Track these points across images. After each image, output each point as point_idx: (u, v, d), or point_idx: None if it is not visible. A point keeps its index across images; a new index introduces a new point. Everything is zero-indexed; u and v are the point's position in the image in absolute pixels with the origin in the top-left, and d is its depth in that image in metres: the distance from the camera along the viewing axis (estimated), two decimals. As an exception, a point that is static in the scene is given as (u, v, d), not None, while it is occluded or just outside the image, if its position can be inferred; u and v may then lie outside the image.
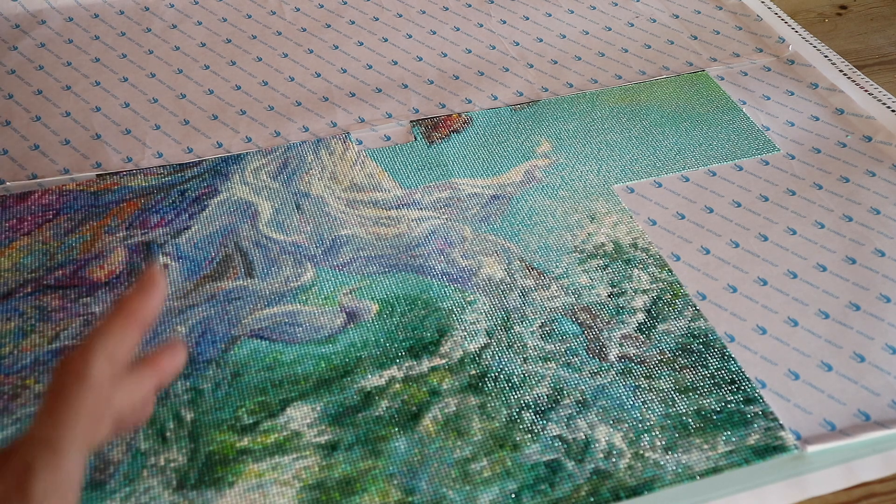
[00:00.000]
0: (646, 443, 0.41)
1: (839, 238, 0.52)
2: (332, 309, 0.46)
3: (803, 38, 0.68)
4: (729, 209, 0.54)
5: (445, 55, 0.66)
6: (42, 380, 0.42)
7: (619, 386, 0.43)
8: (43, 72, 0.62)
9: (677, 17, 0.71)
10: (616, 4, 0.72)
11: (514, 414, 0.42)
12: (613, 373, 0.44)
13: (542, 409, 0.42)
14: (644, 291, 0.48)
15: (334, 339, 0.45)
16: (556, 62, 0.65)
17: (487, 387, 0.43)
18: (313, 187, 0.54)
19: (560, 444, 0.41)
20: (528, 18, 0.70)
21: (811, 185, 0.56)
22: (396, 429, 0.41)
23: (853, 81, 0.63)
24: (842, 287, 0.49)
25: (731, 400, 0.43)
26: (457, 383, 0.43)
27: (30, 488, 0.25)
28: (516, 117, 0.60)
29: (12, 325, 0.45)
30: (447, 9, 0.71)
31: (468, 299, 0.47)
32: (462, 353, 0.44)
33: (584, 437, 0.41)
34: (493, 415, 0.42)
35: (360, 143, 0.57)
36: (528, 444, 0.41)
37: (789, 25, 0.69)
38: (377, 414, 0.42)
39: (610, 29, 0.69)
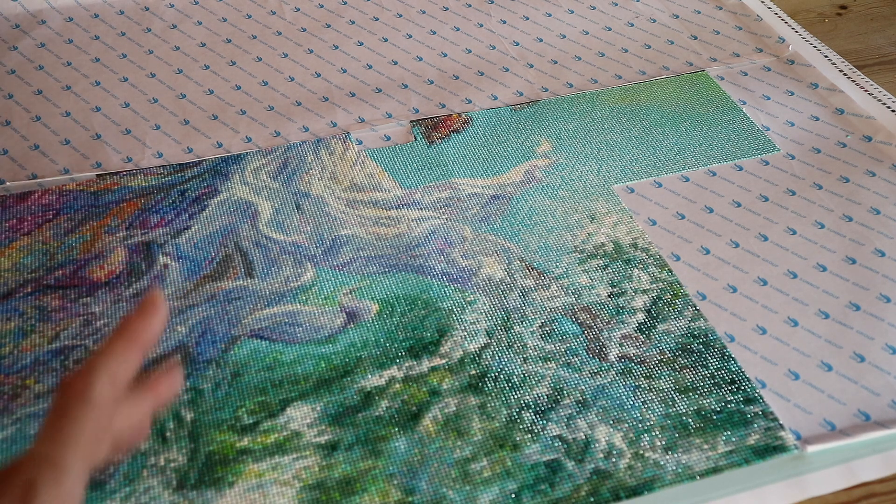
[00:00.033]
0: (646, 443, 0.41)
1: (839, 238, 0.52)
2: (332, 309, 0.46)
3: (803, 38, 0.68)
4: (729, 209, 0.54)
5: (445, 55, 0.66)
6: (42, 380, 0.42)
7: (619, 386, 0.43)
8: (43, 72, 0.62)
9: (677, 17, 0.71)
10: (616, 4, 0.72)
11: (514, 414, 0.42)
12: (613, 373, 0.44)
13: (542, 409, 0.42)
14: (644, 291, 0.48)
15: (334, 339, 0.45)
16: (556, 62, 0.65)
17: (487, 387, 0.43)
18: (313, 187, 0.54)
19: (560, 444, 0.41)
20: (528, 18, 0.70)
21: (811, 185, 0.56)
22: (396, 429, 0.41)
23: (853, 81, 0.63)
24: (842, 287, 0.49)
25: (731, 400, 0.43)
26: (457, 383, 0.43)
27: None
28: (516, 117, 0.60)
29: (12, 325, 0.45)
30: (447, 9, 0.71)
31: (468, 299, 0.47)
32: (462, 353, 0.44)
33: (584, 437, 0.41)
34: (493, 415, 0.42)
35: (360, 143, 0.57)
36: (528, 444, 0.41)
37: (789, 25, 0.69)
38: (377, 414, 0.42)
39: (610, 29, 0.69)
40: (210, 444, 0.40)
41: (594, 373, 0.44)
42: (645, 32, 0.69)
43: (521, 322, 0.46)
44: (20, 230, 0.50)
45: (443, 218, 0.52)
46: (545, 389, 0.43)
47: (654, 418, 0.42)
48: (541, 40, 0.68)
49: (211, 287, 0.47)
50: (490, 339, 0.45)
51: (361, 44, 0.67)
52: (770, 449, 0.41)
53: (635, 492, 0.39)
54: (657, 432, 0.41)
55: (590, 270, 0.49)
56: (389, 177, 0.55)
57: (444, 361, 0.44)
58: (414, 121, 0.59)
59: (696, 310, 0.47)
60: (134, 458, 0.39)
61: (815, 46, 0.67)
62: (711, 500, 0.39)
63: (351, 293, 0.47)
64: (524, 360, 0.44)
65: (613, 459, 0.40)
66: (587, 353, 0.45)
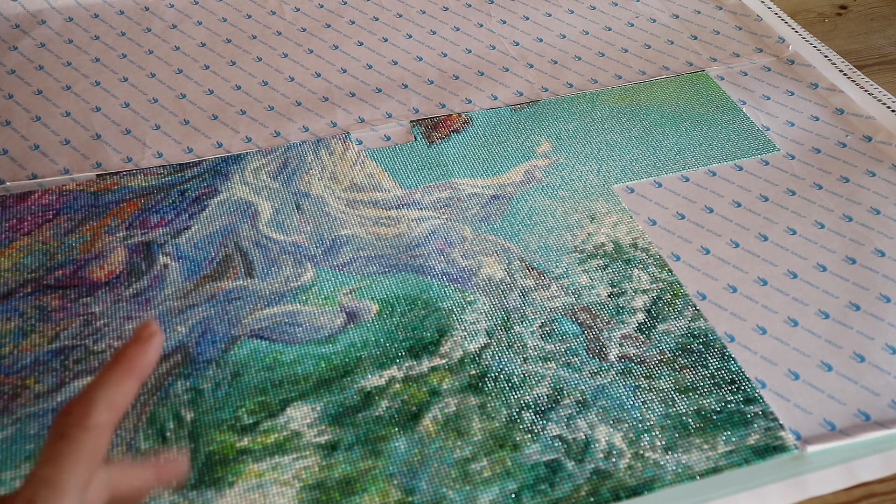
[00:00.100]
0: (646, 443, 0.41)
1: (839, 238, 0.52)
2: (332, 309, 0.46)
3: (803, 38, 0.68)
4: (729, 209, 0.54)
5: (445, 55, 0.66)
6: (42, 380, 0.42)
7: (619, 386, 0.43)
8: (43, 72, 0.62)
9: (677, 17, 0.71)
10: (616, 4, 0.72)
11: (514, 414, 0.42)
12: (613, 373, 0.44)
13: (542, 409, 0.42)
14: (644, 291, 0.48)
15: (334, 339, 0.45)
16: (556, 62, 0.66)
17: (487, 387, 0.43)
18: (313, 187, 0.54)
19: (560, 444, 0.41)
20: (528, 18, 0.70)
21: (811, 185, 0.56)
22: (396, 429, 0.41)
23: (853, 81, 0.63)
24: (842, 287, 0.49)
25: (731, 400, 0.43)
26: (457, 383, 0.43)
27: None
28: (516, 117, 0.60)
29: (12, 325, 0.45)
30: (447, 9, 0.71)
31: (468, 299, 0.47)
32: (462, 353, 0.44)
33: (584, 437, 0.41)
34: (493, 415, 0.42)
35: (360, 143, 0.57)
36: (528, 444, 0.41)
37: (789, 25, 0.69)
38: (377, 414, 0.42)
39: (610, 29, 0.69)
40: (210, 444, 0.40)
41: (594, 373, 0.44)
42: (645, 32, 0.69)
43: (521, 322, 0.46)
44: (20, 230, 0.50)
45: (443, 218, 0.52)
46: (545, 389, 0.43)
47: (654, 418, 0.42)
48: (541, 40, 0.68)
49: (211, 287, 0.47)
50: (490, 339, 0.45)
51: (361, 44, 0.67)
52: (770, 449, 0.41)
53: (635, 492, 0.39)
54: (657, 432, 0.41)
55: (590, 270, 0.49)
56: (389, 177, 0.55)
57: (444, 361, 0.44)
58: (414, 121, 0.59)
59: (696, 310, 0.47)
60: (134, 458, 0.39)
61: (815, 46, 0.67)
62: (711, 500, 0.39)
63: (351, 293, 0.47)
64: (524, 360, 0.44)
65: (613, 459, 0.40)
66: (587, 353, 0.45)
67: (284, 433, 0.41)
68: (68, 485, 0.28)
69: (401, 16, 0.70)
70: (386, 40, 0.67)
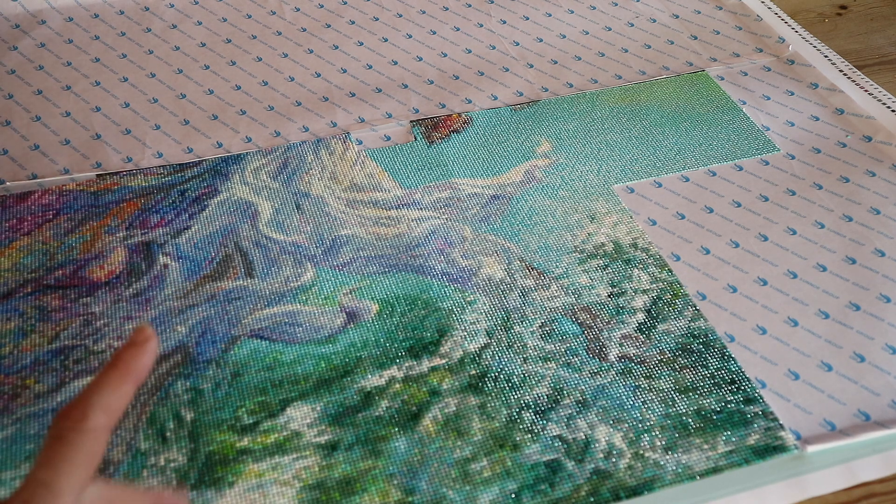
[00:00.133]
0: (646, 443, 0.41)
1: (839, 238, 0.52)
2: (332, 309, 0.46)
3: (803, 38, 0.68)
4: (729, 209, 0.54)
5: (445, 55, 0.66)
6: (42, 380, 0.42)
7: (619, 386, 0.43)
8: (43, 72, 0.62)
9: (677, 17, 0.71)
10: (616, 4, 0.72)
11: (514, 414, 0.42)
12: (613, 373, 0.44)
13: (542, 409, 0.42)
14: (644, 291, 0.48)
15: (334, 339, 0.45)
16: (556, 62, 0.66)
17: (487, 387, 0.43)
18: (313, 187, 0.54)
19: (560, 444, 0.41)
20: (528, 18, 0.70)
21: (811, 185, 0.56)
22: (396, 429, 0.41)
23: (853, 81, 0.63)
24: (842, 287, 0.49)
25: (731, 400, 0.43)
26: (457, 383, 0.43)
27: None
28: (516, 117, 0.60)
29: (12, 325, 0.45)
30: (447, 9, 0.71)
31: (468, 299, 0.47)
32: (462, 353, 0.44)
33: (584, 437, 0.41)
34: (493, 415, 0.42)
35: (360, 143, 0.57)
36: (528, 444, 0.41)
37: (789, 25, 0.69)
38: (377, 414, 0.42)
39: (610, 29, 0.69)
40: (210, 444, 0.40)
41: (594, 373, 0.44)
42: (645, 32, 0.69)
43: (521, 322, 0.46)
44: (20, 230, 0.50)
45: (443, 218, 0.52)
46: (545, 389, 0.43)
47: (654, 418, 0.42)
48: (541, 40, 0.68)
49: (211, 287, 0.47)
50: (490, 339, 0.45)
51: (361, 44, 0.67)
52: (770, 449, 0.41)
53: (635, 492, 0.39)
54: (657, 432, 0.41)
55: (590, 270, 0.49)
56: (389, 177, 0.55)
57: (444, 361, 0.44)
58: (414, 121, 0.59)
59: (696, 310, 0.47)
60: (134, 457, 0.39)
61: (815, 46, 0.67)
62: (711, 500, 0.39)
63: (351, 293, 0.47)
64: (524, 360, 0.44)
65: (613, 459, 0.40)
66: (587, 353, 0.45)
67: (284, 433, 0.41)
68: (65, 487, 0.28)
69: (401, 16, 0.70)
70: (386, 40, 0.67)
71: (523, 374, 0.44)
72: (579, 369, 0.44)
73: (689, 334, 0.46)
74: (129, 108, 0.59)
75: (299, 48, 0.66)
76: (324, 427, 0.41)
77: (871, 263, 0.50)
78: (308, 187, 0.54)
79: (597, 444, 0.41)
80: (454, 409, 0.42)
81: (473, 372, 0.44)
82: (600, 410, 0.42)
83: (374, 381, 0.43)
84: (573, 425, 0.41)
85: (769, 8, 0.71)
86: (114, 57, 0.64)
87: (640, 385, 0.43)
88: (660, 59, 0.66)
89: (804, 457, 0.41)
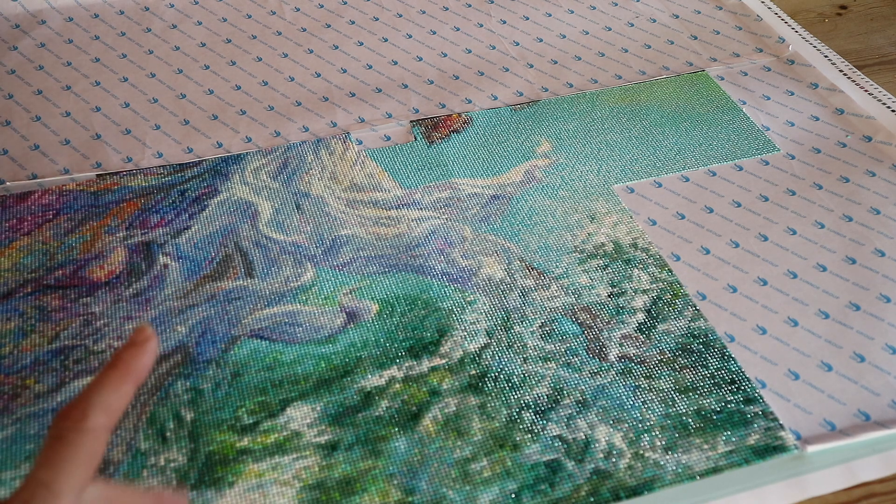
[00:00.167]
0: (646, 443, 0.41)
1: (839, 238, 0.52)
2: (332, 309, 0.46)
3: (803, 38, 0.68)
4: (729, 209, 0.54)
5: (445, 55, 0.66)
6: (42, 380, 0.42)
7: (619, 386, 0.43)
8: (43, 72, 0.62)
9: (677, 17, 0.71)
10: (616, 4, 0.72)
11: (514, 414, 0.42)
12: (613, 373, 0.44)
13: (542, 409, 0.42)
14: (644, 291, 0.48)
15: (334, 339, 0.45)
16: (556, 62, 0.66)
17: (487, 387, 0.43)
18: (313, 187, 0.54)
19: (560, 444, 0.41)
20: (528, 18, 0.70)
21: (811, 185, 0.56)
22: (396, 429, 0.41)
23: (853, 81, 0.63)
24: (842, 287, 0.49)
25: (731, 400, 0.43)
26: (457, 383, 0.43)
27: None
28: (516, 117, 0.60)
29: (12, 325, 0.45)
30: (447, 9, 0.71)
31: (468, 299, 0.47)
32: (462, 353, 0.44)
33: (584, 437, 0.41)
34: (493, 415, 0.42)
35: (360, 143, 0.57)
36: (528, 444, 0.41)
37: (789, 25, 0.69)
38: (377, 414, 0.42)
39: (610, 29, 0.69)
40: (210, 444, 0.40)
41: (594, 373, 0.44)
42: (645, 32, 0.69)
43: (521, 322, 0.46)
44: (20, 230, 0.50)
45: (443, 218, 0.52)
46: (545, 389, 0.43)
47: (654, 418, 0.42)
48: (541, 40, 0.68)
49: (211, 287, 0.47)
50: (490, 339, 0.45)
51: (361, 44, 0.67)
52: (770, 449, 0.41)
53: (635, 492, 0.39)
54: (657, 432, 0.41)
55: (590, 270, 0.49)
56: (389, 177, 0.55)
57: (444, 361, 0.44)
58: (414, 121, 0.59)
59: (696, 310, 0.47)
60: (134, 457, 0.39)
61: (815, 46, 0.67)
62: (711, 500, 0.39)
63: (351, 293, 0.47)
64: (524, 360, 0.44)
65: (613, 459, 0.40)
66: (587, 353, 0.45)
67: (284, 433, 0.41)
68: (65, 487, 0.28)
69: (401, 16, 0.70)
70: (386, 40, 0.67)
71: (523, 374, 0.44)
72: (579, 369, 0.44)
73: (689, 334, 0.46)
74: (129, 108, 0.59)
75: (299, 48, 0.66)
76: (324, 427, 0.41)
77: (871, 263, 0.50)
78: (308, 187, 0.54)
79: (597, 444, 0.41)
80: (454, 409, 0.42)
81: (473, 372, 0.44)
82: (600, 410, 0.42)
83: (374, 381, 0.43)
84: (573, 425, 0.41)
85: (769, 8, 0.71)
86: (114, 57, 0.64)
87: (640, 385, 0.43)
88: (660, 59, 0.66)
89: (804, 457, 0.41)
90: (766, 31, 0.69)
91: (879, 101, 0.61)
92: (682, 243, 0.51)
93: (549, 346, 0.45)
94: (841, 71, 0.65)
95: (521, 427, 0.41)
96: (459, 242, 0.51)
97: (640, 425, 0.41)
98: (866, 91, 0.63)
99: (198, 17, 0.68)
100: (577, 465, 0.40)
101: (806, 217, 0.53)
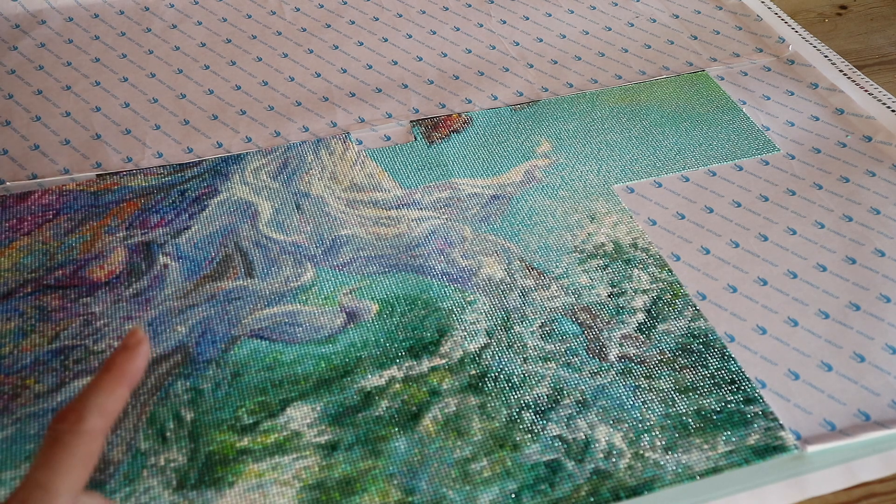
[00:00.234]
0: (646, 443, 0.41)
1: (839, 238, 0.52)
2: (332, 309, 0.46)
3: (803, 38, 0.68)
4: (729, 209, 0.54)
5: (445, 55, 0.66)
6: (42, 380, 0.42)
7: (619, 386, 0.43)
8: (43, 72, 0.62)
9: (677, 17, 0.71)
10: (616, 4, 0.72)
11: (514, 414, 0.42)
12: (613, 373, 0.44)
13: (542, 409, 0.42)
14: (644, 291, 0.48)
15: (334, 339, 0.45)
16: (556, 62, 0.66)
17: (487, 387, 0.43)
18: (313, 187, 0.54)
19: (560, 444, 0.41)
20: (528, 18, 0.70)
21: (811, 185, 0.56)
22: (396, 429, 0.41)
23: (853, 81, 0.64)
24: (842, 287, 0.49)
25: (731, 400, 0.43)
26: (457, 383, 0.43)
27: None
28: (516, 117, 0.60)
29: (12, 325, 0.45)
30: (447, 9, 0.71)
31: (468, 299, 0.47)
32: (462, 353, 0.44)
33: (584, 437, 0.41)
34: (493, 415, 0.42)
35: (360, 143, 0.57)
36: (528, 444, 0.41)
37: (789, 25, 0.69)
38: (377, 414, 0.42)
39: (610, 29, 0.69)
40: (210, 444, 0.40)
41: (594, 373, 0.44)
42: (645, 32, 0.69)
43: (521, 322, 0.46)
44: (20, 230, 0.50)
45: (443, 218, 0.52)
46: (545, 389, 0.43)
47: (654, 418, 0.42)
48: (541, 40, 0.68)
49: (211, 287, 0.47)
50: (490, 339, 0.45)
51: (361, 44, 0.67)
52: (770, 449, 0.41)
53: (635, 492, 0.39)
54: (657, 432, 0.41)
55: (590, 270, 0.49)
56: (389, 177, 0.55)
57: (444, 361, 0.44)
58: (414, 121, 0.59)
59: (696, 310, 0.47)
60: (134, 457, 0.39)
61: (815, 46, 0.67)
62: (711, 500, 0.39)
63: (351, 293, 0.47)
64: (524, 360, 0.44)
65: (613, 459, 0.40)
66: (587, 353, 0.45)
67: (284, 433, 0.41)
68: (61, 488, 0.28)
69: (401, 16, 0.70)
70: (386, 40, 0.67)
71: (523, 374, 0.44)
72: (579, 369, 0.44)
73: (689, 334, 0.46)
74: (129, 108, 0.59)
75: (299, 48, 0.66)
76: (324, 427, 0.41)
77: (871, 263, 0.50)
78: (308, 187, 0.54)
79: (597, 444, 0.41)
80: (454, 409, 0.42)
81: (473, 372, 0.44)
82: (600, 410, 0.42)
83: (374, 381, 0.43)
84: (573, 425, 0.41)
85: (769, 8, 0.71)
86: (114, 57, 0.64)
87: (640, 385, 0.43)
88: (660, 59, 0.66)
89: (804, 457, 0.41)
90: (766, 31, 0.69)
91: (879, 101, 0.61)
92: (682, 243, 0.51)
93: (549, 346, 0.45)
94: (841, 71, 0.65)
95: (521, 427, 0.41)
96: (459, 242, 0.51)
97: (640, 425, 0.41)
98: (866, 91, 0.63)
99: (198, 17, 0.68)
100: (577, 465, 0.40)
101: (806, 217, 0.53)
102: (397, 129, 0.59)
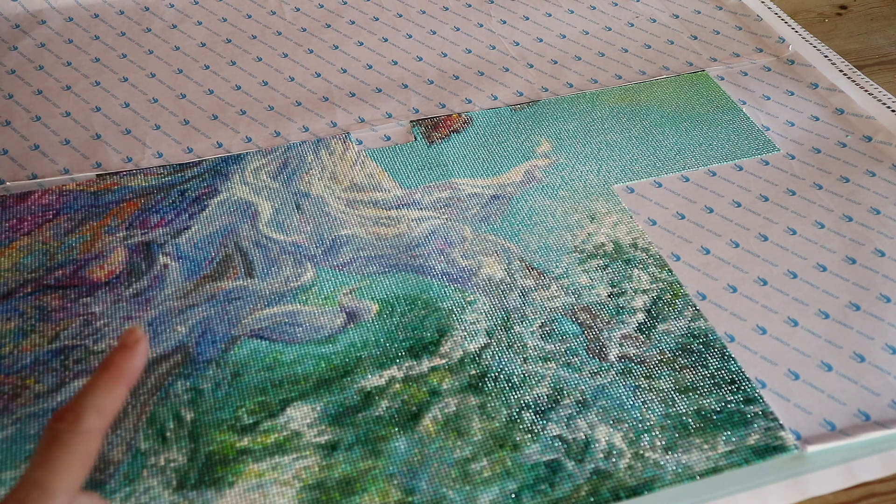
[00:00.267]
0: (646, 443, 0.41)
1: (839, 238, 0.52)
2: (332, 309, 0.46)
3: (803, 38, 0.68)
4: (729, 209, 0.54)
5: (445, 55, 0.66)
6: (42, 380, 0.42)
7: (619, 386, 0.43)
8: (43, 72, 0.62)
9: (677, 17, 0.71)
10: (616, 4, 0.72)
11: (514, 414, 0.42)
12: (613, 373, 0.44)
13: (542, 409, 0.42)
14: (644, 291, 0.48)
15: (334, 339, 0.45)
16: (556, 62, 0.66)
17: (487, 387, 0.43)
18: (313, 187, 0.54)
19: (560, 444, 0.41)
20: (528, 18, 0.70)
21: (811, 185, 0.56)
22: (396, 429, 0.41)
23: (853, 81, 0.64)
24: (842, 287, 0.49)
25: (731, 400, 0.43)
26: (457, 383, 0.43)
27: None
28: (516, 117, 0.60)
29: (12, 325, 0.45)
30: (447, 9, 0.71)
31: (468, 299, 0.47)
32: (462, 353, 0.44)
33: (584, 437, 0.41)
34: (493, 415, 0.42)
35: (360, 143, 0.57)
36: (528, 444, 0.41)
37: (789, 25, 0.69)
38: (377, 414, 0.42)
39: (610, 29, 0.69)
40: (210, 444, 0.40)
41: (594, 373, 0.44)
42: (645, 32, 0.69)
43: (521, 322, 0.46)
44: (20, 230, 0.50)
45: (443, 218, 0.52)
46: (545, 389, 0.43)
47: (654, 418, 0.42)
48: (541, 40, 0.68)
49: (211, 287, 0.47)
50: (490, 339, 0.45)
51: (361, 44, 0.67)
52: (770, 449, 0.41)
53: (635, 492, 0.39)
54: (657, 432, 0.41)
55: (590, 270, 0.49)
56: (389, 177, 0.55)
57: (444, 361, 0.44)
58: (414, 121, 0.59)
59: (696, 310, 0.47)
60: (134, 457, 0.39)
61: (815, 46, 0.67)
62: (711, 500, 0.39)
63: (351, 293, 0.47)
64: (524, 360, 0.44)
65: (613, 459, 0.40)
66: (587, 353, 0.45)
67: (284, 433, 0.41)
68: (59, 487, 0.29)
69: (401, 16, 0.70)
70: (386, 40, 0.67)
71: (523, 374, 0.44)
72: (579, 369, 0.44)
73: (689, 334, 0.46)
74: (129, 108, 0.59)
75: (299, 48, 0.66)
76: (324, 427, 0.41)
77: (871, 263, 0.50)
78: (308, 187, 0.54)
79: (597, 444, 0.41)
80: (454, 409, 0.42)
81: (473, 372, 0.44)
82: (600, 410, 0.42)
83: (374, 381, 0.43)
84: (573, 425, 0.41)
85: (769, 8, 0.71)
86: (114, 57, 0.64)
87: (640, 385, 0.43)
88: (660, 59, 0.66)
89: (804, 457, 0.41)
90: (766, 31, 0.69)
91: (879, 101, 0.61)
92: (682, 243, 0.51)
93: (549, 346, 0.45)
94: (841, 71, 0.65)
95: (521, 427, 0.41)
96: (459, 242, 0.51)
97: (640, 425, 0.41)
98: (866, 91, 0.63)
99: (198, 17, 0.68)
100: (577, 465, 0.40)
101: (806, 217, 0.53)
102: (397, 129, 0.59)
